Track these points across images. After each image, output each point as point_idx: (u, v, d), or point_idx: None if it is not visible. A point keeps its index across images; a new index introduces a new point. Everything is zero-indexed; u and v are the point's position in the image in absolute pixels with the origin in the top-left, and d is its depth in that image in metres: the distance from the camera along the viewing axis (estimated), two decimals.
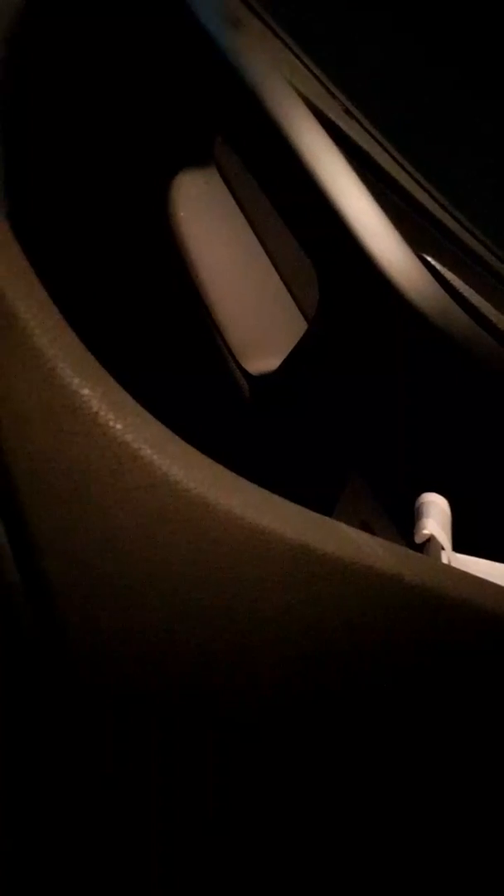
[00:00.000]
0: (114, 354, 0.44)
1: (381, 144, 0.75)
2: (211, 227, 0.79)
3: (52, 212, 0.68)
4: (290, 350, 0.72)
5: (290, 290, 0.78)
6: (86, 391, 0.37)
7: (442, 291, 0.62)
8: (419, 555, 0.51)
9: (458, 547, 0.59)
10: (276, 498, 0.44)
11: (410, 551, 0.49)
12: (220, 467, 0.42)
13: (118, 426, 0.38)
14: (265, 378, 0.74)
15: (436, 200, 0.73)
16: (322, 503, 0.51)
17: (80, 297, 0.49)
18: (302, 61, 0.76)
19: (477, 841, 0.53)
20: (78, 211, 0.75)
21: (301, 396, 0.72)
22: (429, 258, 0.64)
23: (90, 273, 0.74)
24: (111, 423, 0.38)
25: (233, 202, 0.80)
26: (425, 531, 0.57)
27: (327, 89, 0.76)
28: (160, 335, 0.81)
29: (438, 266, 0.65)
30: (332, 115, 0.72)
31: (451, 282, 0.64)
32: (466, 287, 0.65)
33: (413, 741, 0.49)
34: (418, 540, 0.57)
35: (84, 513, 0.38)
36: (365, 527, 0.66)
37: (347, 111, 0.76)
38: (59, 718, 0.41)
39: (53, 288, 0.41)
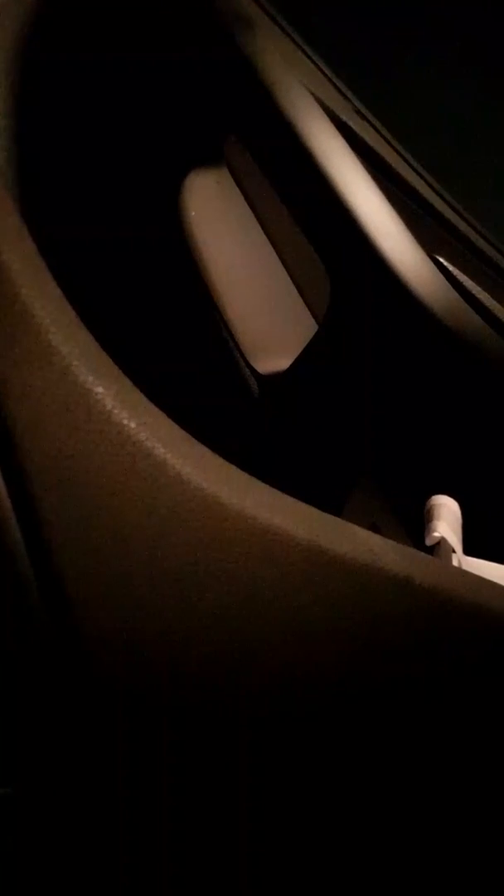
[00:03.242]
0: (125, 353, 0.44)
1: (392, 146, 0.74)
2: (222, 227, 0.79)
3: (63, 211, 0.68)
4: (299, 350, 0.72)
5: (300, 291, 0.78)
6: (100, 389, 0.37)
7: (454, 293, 0.62)
8: (430, 557, 0.51)
9: (469, 550, 0.59)
10: (288, 498, 0.43)
11: (421, 554, 0.49)
12: (233, 467, 0.42)
13: (132, 424, 0.38)
14: (275, 378, 0.74)
15: (447, 202, 0.72)
16: (331, 504, 0.51)
17: (91, 295, 0.49)
18: (313, 61, 0.76)
19: (479, 843, 0.53)
20: (90, 210, 0.75)
21: (311, 397, 0.72)
22: (441, 259, 0.64)
23: (101, 272, 0.74)
24: (125, 422, 0.38)
25: (244, 202, 0.80)
26: (436, 534, 0.57)
27: (338, 90, 0.76)
28: (171, 335, 0.81)
29: (451, 267, 0.65)
30: (344, 116, 0.72)
31: (464, 283, 0.64)
32: (479, 289, 0.65)
33: (421, 743, 0.49)
34: (429, 542, 0.57)
35: (97, 511, 0.38)
36: (374, 528, 0.66)
37: (359, 112, 0.76)
38: (70, 713, 0.41)
39: (65, 287, 0.41)
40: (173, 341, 0.80)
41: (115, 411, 0.38)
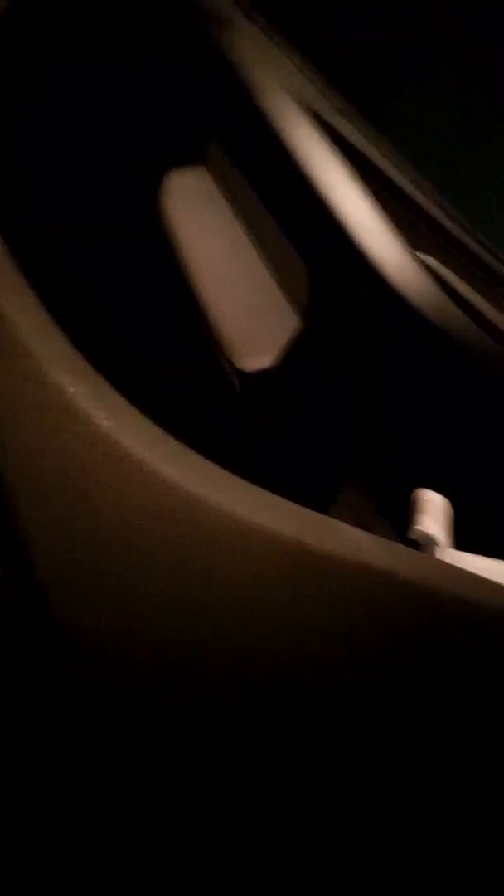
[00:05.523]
0: (106, 353, 0.43)
1: (375, 143, 0.74)
2: (203, 225, 0.78)
3: (43, 210, 0.68)
4: (283, 348, 0.71)
5: (283, 289, 0.78)
6: (73, 388, 0.37)
7: (437, 288, 0.62)
8: (413, 551, 0.51)
9: (459, 544, 0.58)
10: (270, 495, 0.43)
11: (405, 548, 0.49)
12: (212, 465, 0.42)
13: (107, 424, 0.38)
14: (258, 376, 0.73)
15: (431, 198, 0.72)
16: (318, 502, 0.51)
17: (71, 295, 0.49)
18: (295, 61, 0.76)
19: (477, 839, 0.53)
20: (70, 209, 0.75)
21: (295, 394, 0.72)
22: (424, 255, 0.64)
23: (82, 271, 0.74)
24: (100, 421, 0.38)
25: (224, 200, 0.80)
26: (419, 527, 0.57)
27: (321, 88, 0.76)
28: (153, 333, 0.80)
29: (434, 263, 0.65)
30: (325, 114, 0.72)
31: (447, 279, 0.64)
32: (463, 284, 0.65)
33: (410, 738, 0.49)
34: (411, 536, 0.57)
35: (74, 510, 0.38)
36: (361, 526, 0.66)
37: (341, 110, 0.76)
38: (52, 714, 0.41)
39: (45, 287, 0.41)
40: (155, 340, 0.80)
41: (91, 410, 0.38)
